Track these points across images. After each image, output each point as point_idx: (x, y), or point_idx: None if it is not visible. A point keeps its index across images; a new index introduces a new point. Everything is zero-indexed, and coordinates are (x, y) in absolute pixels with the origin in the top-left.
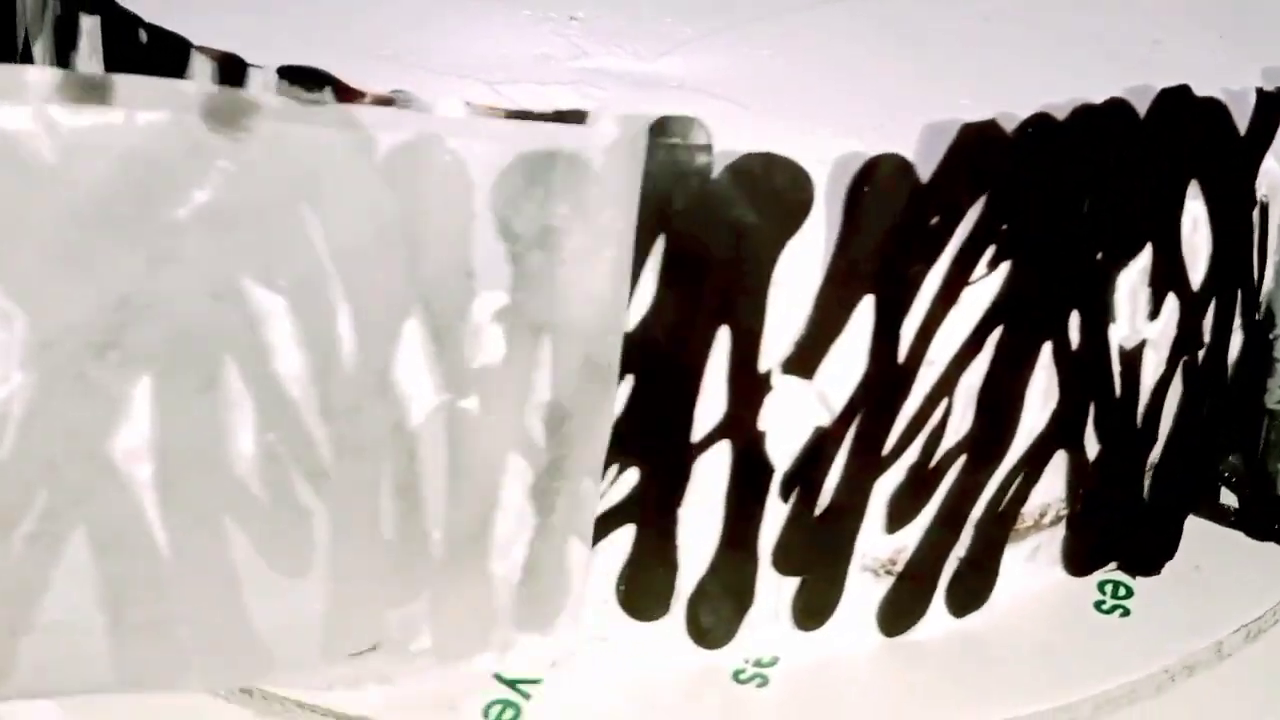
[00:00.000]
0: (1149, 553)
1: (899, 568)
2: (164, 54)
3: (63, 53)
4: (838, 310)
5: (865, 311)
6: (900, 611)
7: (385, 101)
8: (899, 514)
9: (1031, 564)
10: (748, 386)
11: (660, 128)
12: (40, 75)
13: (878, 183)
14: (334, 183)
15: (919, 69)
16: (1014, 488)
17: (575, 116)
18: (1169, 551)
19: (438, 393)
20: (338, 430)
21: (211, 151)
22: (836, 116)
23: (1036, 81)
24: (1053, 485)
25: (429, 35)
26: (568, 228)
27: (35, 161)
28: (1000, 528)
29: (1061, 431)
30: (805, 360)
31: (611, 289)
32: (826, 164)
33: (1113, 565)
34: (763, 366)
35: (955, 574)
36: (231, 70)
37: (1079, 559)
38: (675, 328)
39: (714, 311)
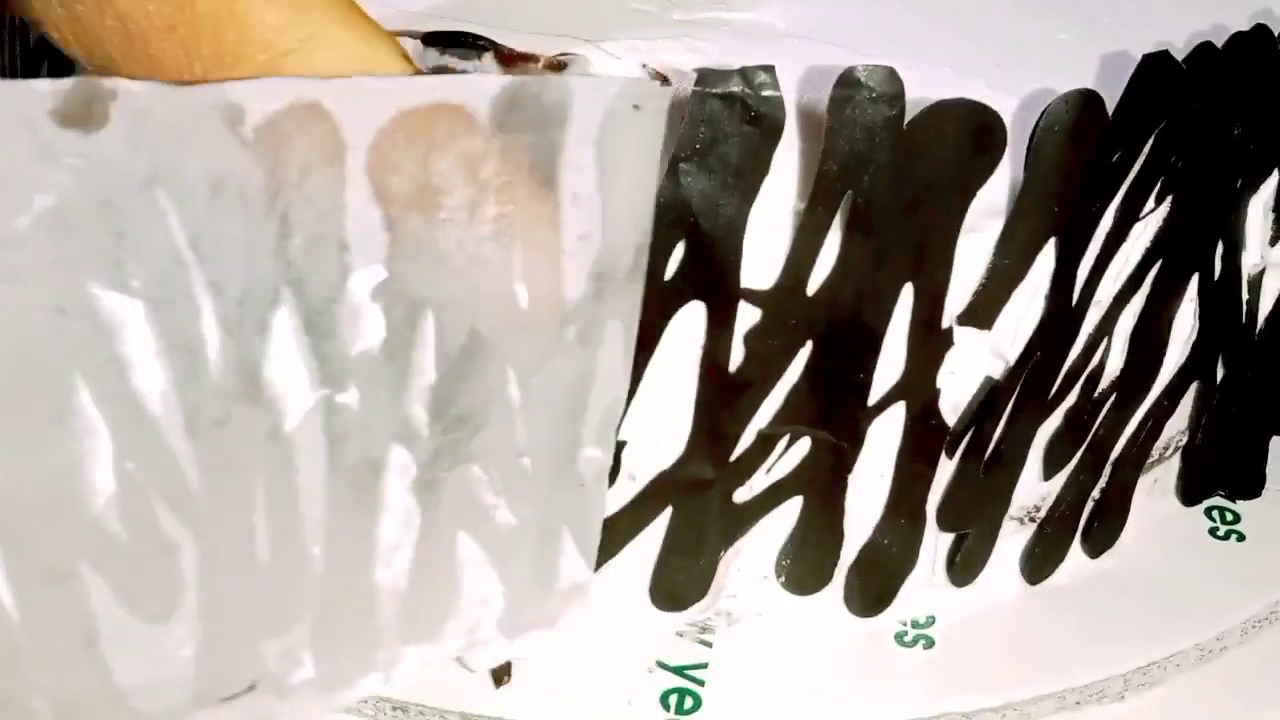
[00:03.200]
0: (1249, 476)
1: (1042, 514)
2: None
3: None
4: (1021, 256)
5: (1045, 255)
6: (1044, 557)
7: (558, 66)
8: (1054, 459)
9: (1149, 497)
10: (929, 344)
11: (847, 78)
12: None
13: (1069, 119)
14: (197, 164)
15: (1010, 3)
16: (1152, 423)
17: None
18: (1264, 473)
19: (314, 389)
20: (204, 446)
21: (62, 150)
22: (958, 58)
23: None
24: (1178, 418)
25: None
26: (447, 185)
27: None
28: (1136, 465)
29: (1198, 363)
30: (984, 311)
31: (498, 251)
32: (1011, 104)
33: (1218, 493)
34: (945, 322)
35: (1091, 515)
36: None
37: (1193, 488)
38: (860, 288)
39: (901, 268)
